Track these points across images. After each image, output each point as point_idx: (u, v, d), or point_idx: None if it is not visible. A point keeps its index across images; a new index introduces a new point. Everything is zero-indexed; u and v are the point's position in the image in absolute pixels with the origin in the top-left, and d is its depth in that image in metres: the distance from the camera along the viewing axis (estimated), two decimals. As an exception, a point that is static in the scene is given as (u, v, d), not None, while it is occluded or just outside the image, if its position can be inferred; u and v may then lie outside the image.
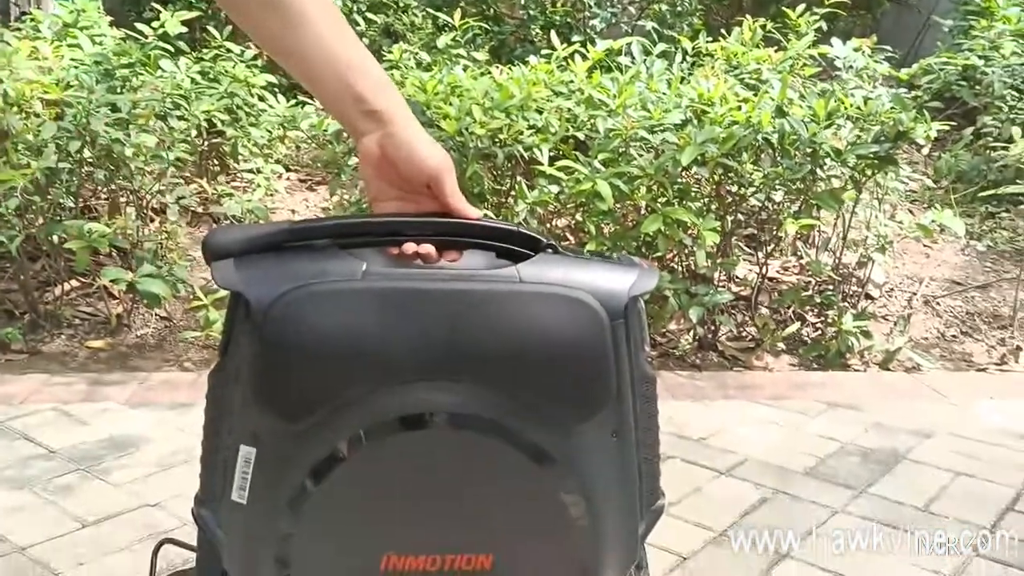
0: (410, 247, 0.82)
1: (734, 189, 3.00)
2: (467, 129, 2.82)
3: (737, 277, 3.26)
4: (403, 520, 0.81)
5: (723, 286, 3.08)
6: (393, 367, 0.78)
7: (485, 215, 3.04)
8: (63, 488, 2.02)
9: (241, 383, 0.79)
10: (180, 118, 3.16)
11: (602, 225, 2.91)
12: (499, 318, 0.79)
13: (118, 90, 3.12)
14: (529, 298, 0.80)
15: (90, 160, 2.94)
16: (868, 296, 3.32)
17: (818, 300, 3.15)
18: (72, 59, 3.25)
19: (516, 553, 0.83)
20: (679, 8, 5.06)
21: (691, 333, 3.01)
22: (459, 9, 4.36)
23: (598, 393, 0.82)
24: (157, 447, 2.23)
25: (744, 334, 3.10)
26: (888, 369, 2.98)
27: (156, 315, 3.05)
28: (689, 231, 2.78)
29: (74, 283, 3.12)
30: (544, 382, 0.80)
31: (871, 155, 2.84)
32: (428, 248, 0.83)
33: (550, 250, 0.85)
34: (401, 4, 4.95)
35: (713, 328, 3.02)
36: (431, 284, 0.79)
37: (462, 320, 0.78)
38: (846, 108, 2.98)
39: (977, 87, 4.49)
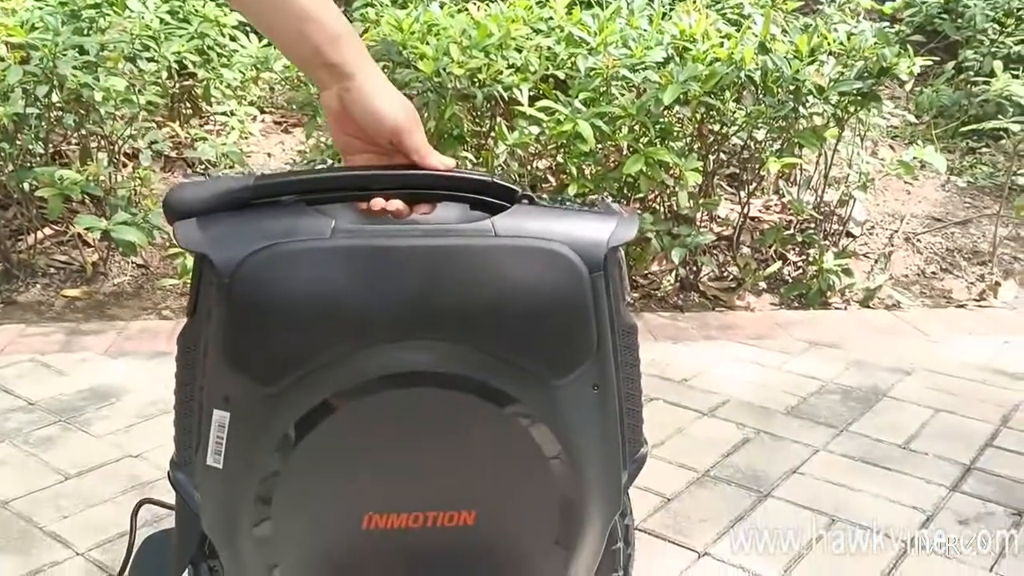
0: (378, 203, 0.80)
1: (716, 128, 2.97)
2: (445, 69, 2.76)
3: (719, 217, 3.25)
4: (384, 479, 0.80)
5: (705, 226, 3.07)
6: (367, 327, 0.76)
7: (467, 160, 2.96)
8: (44, 440, 2.00)
9: (211, 346, 0.77)
10: (150, 60, 3.09)
11: (583, 166, 2.88)
12: (475, 274, 0.77)
13: (85, 32, 3.03)
14: (505, 252, 0.78)
15: (59, 105, 2.87)
16: (849, 234, 3.32)
17: (799, 239, 3.14)
18: (36, -1, 3.16)
19: (499, 507, 0.83)
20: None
21: (673, 274, 3.00)
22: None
23: (579, 347, 0.81)
24: (138, 397, 2.21)
25: (726, 274, 3.10)
26: (869, 307, 2.99)
27: (132, 263, 3.01)
28: (671, 171, 2.76)
29: (47, 231, 3.07)
30: (523, 338, 0.79)
31: (854, 91, 2.81)
32: (397, 204, 0.80)
33: (526, 201, 0.83)
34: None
35: (695, 269, 3.02)
36: (403, 240, 0.77)
37: (437, 277, 0.77)
38: (829, 44, 2.94)
39: (959, 20, 4.44)
